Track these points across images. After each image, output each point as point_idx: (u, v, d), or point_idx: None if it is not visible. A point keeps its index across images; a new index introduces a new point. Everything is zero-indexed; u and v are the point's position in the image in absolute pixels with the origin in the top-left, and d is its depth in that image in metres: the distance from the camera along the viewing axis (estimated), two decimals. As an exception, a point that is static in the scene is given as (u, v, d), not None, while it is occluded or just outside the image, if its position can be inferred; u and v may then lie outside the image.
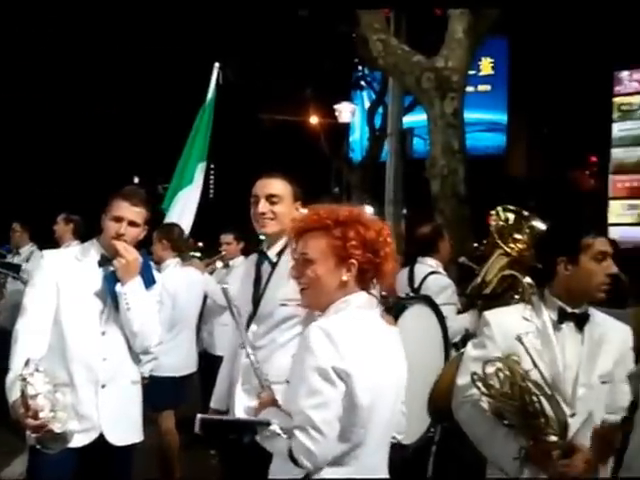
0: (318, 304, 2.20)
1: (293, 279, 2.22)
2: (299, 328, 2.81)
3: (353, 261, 2.12)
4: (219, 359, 5.69)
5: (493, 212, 3.09)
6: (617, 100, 28.22)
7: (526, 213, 3.30)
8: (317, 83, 16.27)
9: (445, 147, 7.79)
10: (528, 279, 3.05)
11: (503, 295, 2.99)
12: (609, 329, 2.60)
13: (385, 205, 11.95)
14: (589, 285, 2.53)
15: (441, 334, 3.55)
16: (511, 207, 3.17)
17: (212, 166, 36.49)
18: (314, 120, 18.21)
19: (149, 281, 3.22)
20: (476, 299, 3.14)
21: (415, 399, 2.63)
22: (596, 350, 2.51)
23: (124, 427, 3.17)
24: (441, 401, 2.96)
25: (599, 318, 2.62)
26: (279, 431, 2.10)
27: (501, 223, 3.09)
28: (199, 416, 2.28)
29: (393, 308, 3.24)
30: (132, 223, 3.13)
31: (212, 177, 37.54)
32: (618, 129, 28.16)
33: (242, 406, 2.98)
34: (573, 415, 2.43)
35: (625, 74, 28.03)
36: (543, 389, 2.34)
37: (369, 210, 16.45)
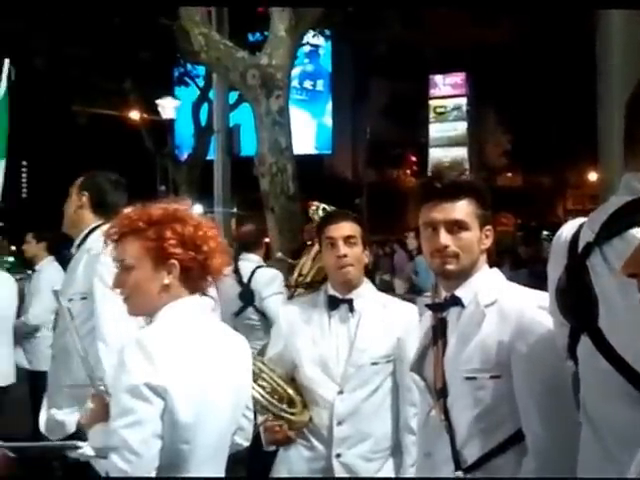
0: (144, 312, 2.06)
1: (115, 288, 2.05)
2: None
3: (173, 261, 1.97)
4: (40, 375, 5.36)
5: (313, 207, 3.09)
6: (433, 103, 29.98)
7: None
8: (137, 76, 15.72)
9: (272, 145, 7.81)
10: None
11: (321, 284, 3.00)
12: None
13: (214, 203, 11.79)
14: (327, 269, 2.78)
15: None
16: (324, 206, 3.17)
17: (24, 164, 34.42)
18: (136, 115, 17.59)
19: None
20: (294, 289, 3.14)
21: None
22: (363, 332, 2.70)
23: None
24: None
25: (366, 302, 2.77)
26: (89, 453, 1.97)
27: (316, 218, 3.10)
28: None
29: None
30: None
31: (24, 175, 35.30)
32: (435, 130, 29.92)
33: None
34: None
35: (439, 78, 29.81)
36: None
37: (198, 209, 16.19)
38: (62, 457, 2.11)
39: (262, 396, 2.66)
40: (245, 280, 4.53)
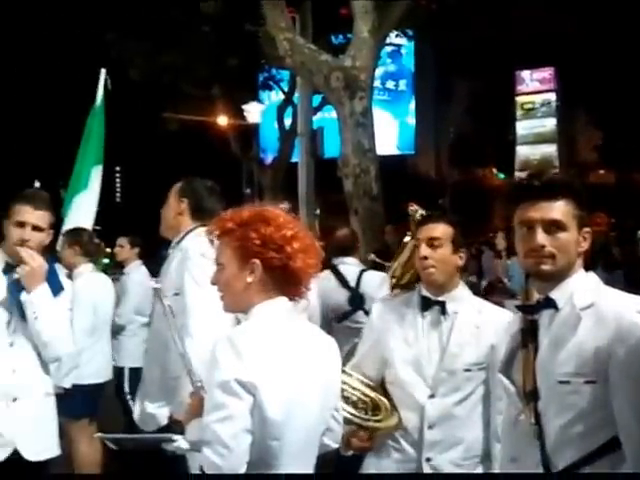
0: (235, 309, 2.16)
1: (212, 285, 2.14)
2: None
3: (255, 261, 2.02)
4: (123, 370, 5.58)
5: (412, 208, 3.04)
6: (520, 99, 29.27)
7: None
8: (224, 82, 16.10)
9: (356, 146, 7.83)
10: None
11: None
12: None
13: (298, 205, 11.93)
14: (419, 270, 2.75)
15: None
16: (421, 212, 3.15)
17: (117, 169, 35.85)
18: (222, 120, 18.03)
19: (56, 288, 3.11)
20: (391, 291, 3.15)
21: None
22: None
23: (40, 442, 3.08)
24: None
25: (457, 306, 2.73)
26: (184, 446, 2.05)
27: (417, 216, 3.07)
28: (97, 435, 2.31)
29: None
30: (36, 227, 3.01)
31: (118, 180, 36.72)
32: (522, 127, 29.20)
33: None
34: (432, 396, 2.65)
35: (526, 73, 29.06)
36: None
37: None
38: (159, 450, 2.19)
39: (347, 412, 2.60)
40: (352, 284, 4.56)
